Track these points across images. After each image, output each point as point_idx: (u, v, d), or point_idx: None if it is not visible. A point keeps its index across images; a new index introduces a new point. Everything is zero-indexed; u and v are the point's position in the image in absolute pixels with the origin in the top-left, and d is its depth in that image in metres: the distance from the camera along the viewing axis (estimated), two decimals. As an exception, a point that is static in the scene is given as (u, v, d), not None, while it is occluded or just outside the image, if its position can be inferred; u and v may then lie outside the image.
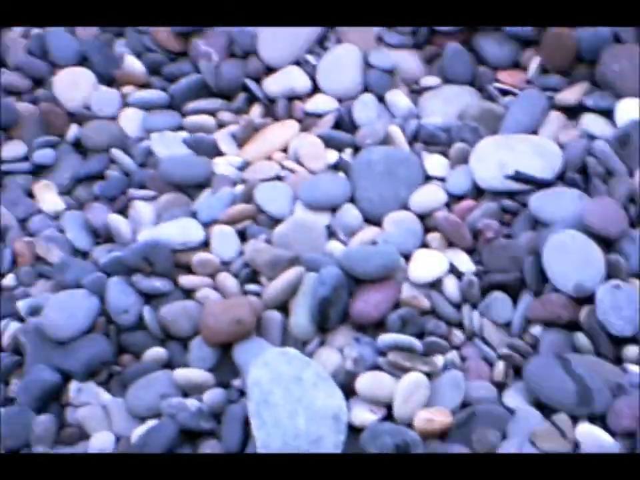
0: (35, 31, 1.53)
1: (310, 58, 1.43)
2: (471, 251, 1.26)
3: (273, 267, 1.26)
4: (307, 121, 1.40)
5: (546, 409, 1.17)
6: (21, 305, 1.29)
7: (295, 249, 1.27)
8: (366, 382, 1.18)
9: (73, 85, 1.46)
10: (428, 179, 1.32)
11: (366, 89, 1.42)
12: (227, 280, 1.27)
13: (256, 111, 1.43)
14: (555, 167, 1.29)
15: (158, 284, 1.27)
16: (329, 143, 1.36)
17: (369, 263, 1.22)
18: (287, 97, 1.42)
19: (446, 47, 1.42)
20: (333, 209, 1.31)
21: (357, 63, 1.42)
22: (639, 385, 1.16)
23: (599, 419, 1.15)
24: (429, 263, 1.23)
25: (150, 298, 1.28)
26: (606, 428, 1.14)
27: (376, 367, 1.19)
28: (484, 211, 1.27)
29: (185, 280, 1.28)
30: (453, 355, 1.21)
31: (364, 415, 1.17)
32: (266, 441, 1.15)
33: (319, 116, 1.40)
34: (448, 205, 1.29)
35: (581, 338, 1.19)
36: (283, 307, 1.25)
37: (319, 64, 1.43)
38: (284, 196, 1.32)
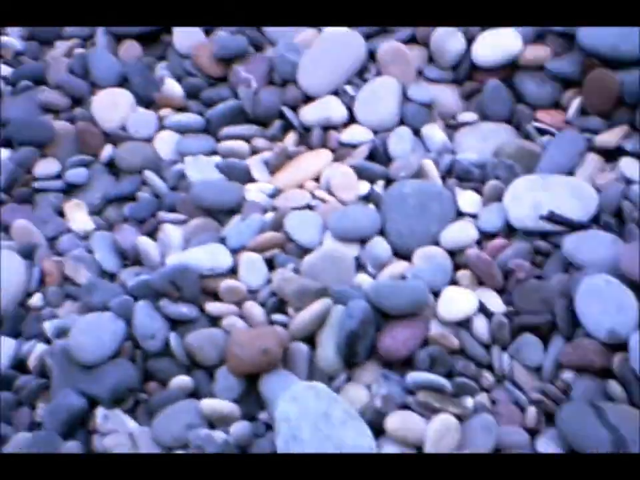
0: (78, 50, 1.47)
1: (348, 88, 1.35)
2: (501, 291, 1.18)
3: (300, 297, 1.17)
4: (341, 151, 1.32)
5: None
6: (48, 326, 1.22)
7: (323, 280, 1.19)
8: (396, 422, 1.10)
9: (112, 106, 1.40)
10: (460, 214, 1.24)
11: (402, 122, 1.34)
12: (254, 309, 1.19)
13: (290, 138, 1.35)
14: (590, 210, 1.20)
15: (185, 310, 1.19)
16: (361, 173, 1.29)
17: (397, 298, 1.14)
18: (322, 126, 1.35)
19: (486, 84, 1.33)
20: (363, 241, 1.23)
21: (395, 96, 1.34)
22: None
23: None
24: (458, 301, 1.15)
25: (176, 323, 1.20)
26: None
27: (404, 406, 1.11)
28: (516, 250, 1.18)
29: (212, 307, 1.20)
30: (482, 397, 1.12)
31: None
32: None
33: (354, 146, 1.33)
34: (479, 243, 1.21)
35: (614, 386, 1.10)
36: (310, 338, 1.16)
37: (357, 95, 1.35)
38: (314, 225, 1.24)
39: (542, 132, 1.30)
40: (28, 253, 1.29)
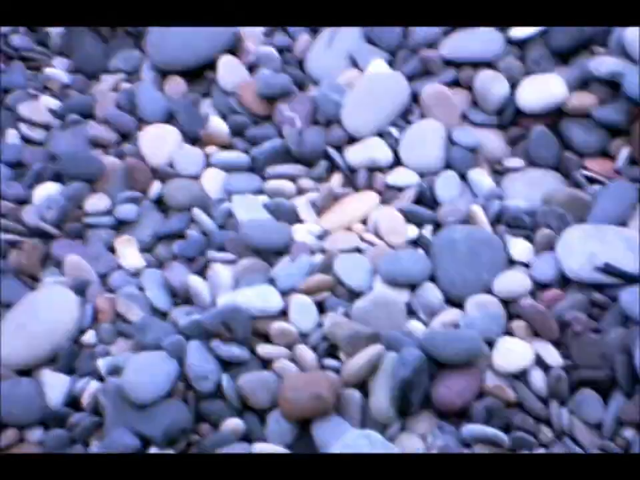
0: (125, 85, 1.40)
1: (393, 130, 1.27)
2: (557, 343, 1.10)
3: (352, 343, 1.10)
4: (388, 194, 1.24)
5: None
6: (101, 364, 1.16)
7: (374, 325, 1.12)
8: (454, 476, 1.01)
9: (159, 142, 1.32)
10: (512, 263, 1.16)
11: (448, 166, 1.25)
12: (305, 353, 1.12)
13: (336, 179, 1.27)
14: (645, 263, 1.12)
15: (236, 351, 1.12)
16: (409, 217, 1.21)
17: (452, 348, 1.06)
18: (367, 167, 1.26)
19: (532, 130, 1.25)
20: (413, 286, 1.15)
21: (440, 139, 1.26)
22: None
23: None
24: (514, 352, 1.08)
25: (227, 364, 1.14)
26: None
27: (461, 460, 1.02)
28: (572, 302, 1.10)
29: (263, 349, 1.14)
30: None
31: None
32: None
33: (400, 189, 1.25)
34: (532, 293, 1.12)
35: (675, 444, 1.02)
36: (362, 385, 1.09)
37: (401, 137, 1.28)
38: (363, 269, 1.17)
39: (591, 180, 1.22)
40: (80, 289, 1.23)
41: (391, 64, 1.32)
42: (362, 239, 1.20)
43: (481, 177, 1.24)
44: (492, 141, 1.27)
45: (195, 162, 1.30)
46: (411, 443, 1.05)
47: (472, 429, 1.04)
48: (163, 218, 1.28)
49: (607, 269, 1.11)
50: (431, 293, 1.14)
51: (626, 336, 1.06)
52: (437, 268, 1.16)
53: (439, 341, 1.07)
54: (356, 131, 1.27)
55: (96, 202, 1.28)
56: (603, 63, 1.24)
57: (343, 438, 1.03)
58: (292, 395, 1.07)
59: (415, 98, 1.29)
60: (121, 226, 1.27)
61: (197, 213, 1.26)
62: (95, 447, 1.10)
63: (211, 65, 1.36)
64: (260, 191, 1.27)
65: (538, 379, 1.07)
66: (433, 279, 1.15)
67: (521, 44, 1.30)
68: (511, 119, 1.27)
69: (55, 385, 1.14)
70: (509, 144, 1.27)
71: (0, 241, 1.24)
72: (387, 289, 1.14)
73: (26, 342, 1.16)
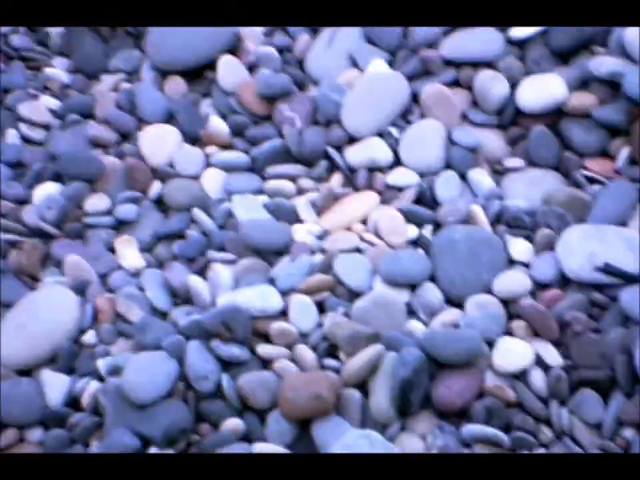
0: (125, 85, 1.39)
1: (393, 130, 1.26)
2: (557, 343, 1.09)
3: (352, 343, 1.09)
4: (388, 194, 1.24)
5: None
6: (101, 364, 1.15)
7: (374, 325, 1.11)
8: (453, 476, 1.00)
9: (159, 142, 1.31)
10: (512, 263, 1.15)
11: (448, 166, 1.25)
12: (305, 353, 1.12)
13: (336, 179, 1.26)
14: (644, 262, 1.12)
15: (236, 351, 1.12)
16: (409, 217, 1.20)
17: (452, 347, 1.06)
18: (367, 167, 1.25)
19: (532, 129, 1.24)
20: (413, 286, 1.14)
21: (440, 139, 1.25)
22: None
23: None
24: (514, 352, 1.07)
25: (227, 364, 1.13)
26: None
27: (461, 459, 1.02)
28: (572, 302, 1.10)
29: (263, 349, 1.13)
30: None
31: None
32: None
33: (400, 189, 1.24)
34: (532, 292, 1.11)
35: (675, 444, 1.01)
36: (362, 385, 1.08)
37: (401, 137, 1.26)
38: (363, 269, 1.16)
39: (591, 180, 1.21)
40: (80, 289, 1.22)
41: (391, 64, 1.31)
42: (362, 239, 1.19)
43: (480, 177, 1.23)
44: (492, 140, 1.26)
45: (195, 162, 1.29)
46: (410, 443, 1.05)
47: (472, 429, 1.03)
48: (163, 218, 1.27)
49: (607, 269, 1.10)
50: (431, 293, 1.14)
51: (626, 336, 1.06)
52: (436, 268, 1.15)
53: (439, 340, 1.06)
54: (356, 130, 1.27)
55: (96, 202, 1.27)
56: (602, 63, 1.24)
57: (343, 438, 1.02)
58: (292, 394, 1.06)
59: (414, 98, 1.28)
60: (121, 226, 1.26)
61: (197, 213, 1.25)
62: (95, 447, 1.09)
63: (211, 65, 1.35)
64: (260, 191, 1.26)
65: (538, 378, 1.07)
66: (433, 278, 1.15)
67: (521, 44, 1.29)
68: (510, 118, 1.26)
69: (54, 385, 1.14)
70: (509, 144, 1.27)
71: (0, 241, 1.24)
72: (387, 288, 1.14)
73: (26, 342, 1.16)
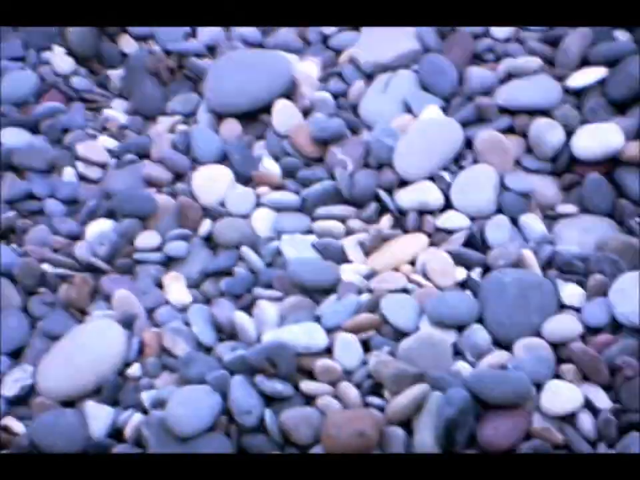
0: (181, 126, 1.39)
1: (445, 174, 1.24)
2: (607, 387, 1.05)
3: (397, 382, 1.07)
4: (437, 236, 1.22)
5: None
6: (146, 397, 1.14)
7: (420, 365, 1.09)
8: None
9: (211, 181, 1.31)
10: (562, 307, 1.12)
11: (500, 210, 1.23)
12: (349, 390, 1.09)
13: (386, 221, 1.24)
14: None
15: (280, 387, 1.10)
16: (458, 260, 1.18)
17: (499, 389, 1.03)
18: (418, 210, 1.24)
19: (586, 177, 1.22)
20: (460, 328, 1.12)
21: (492, 184, 1.24)
22: None
23: None
24: (563, 395, 1.04)
25: (271, 400, 1.11)
26: None
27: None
28: (623, 347, 1.07)
29: (307, 386, 1.11)
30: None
31: None
32: None
33: (450, 232, 1.22)
34: (583, 337, 1.09)
35: None
36: (407, 423, 1.05)
37: (453, 181, 1.25)
38: (410, 309, 1.14)
39: (646, 228, 1.19)
40: (128, 323, 1.21)
41: (445, 110, 1.30)
42: (409, 280, 1.17)
43: (532, 222, 1.21)
44: (545, 187, 1.24)
45: (246, 202, 1.29)
46: (454, 484, 1.02)
47: (517, 470, 1.00)
48: (212, 255, 1.26)
49: (660, 315, 1.08)
50: (479, 335, 1.11)
51: (677, 381, 1.03)
52: (485, 310, 1.13)
53: (486, 381, 1.04)
54: (408, 174, 1.25)
55: (147, 239, 1.27)
56: (660, 114, 1.22)
57: (385, 476, 1.00)
58: (335, 431, 1.04)
59: (468, 144, 1.27)
60: (170, 262, 1.26)
61: (245, 250, 1.24)
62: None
63: (266, 109, 1.36)
64: (309, 231, 1.25)
65: (586, 421, 1.03)
66: (480, 320, 1.12)
67: (578, 93, 1.28)
68: (565, 166, 1.25)
69: (98, 417, 1.12)
70: (563, 190, 1.25)
71: (51, 275, 1.23)
72: (434, 329, 1.12)
73: (72, 373, 1.15)
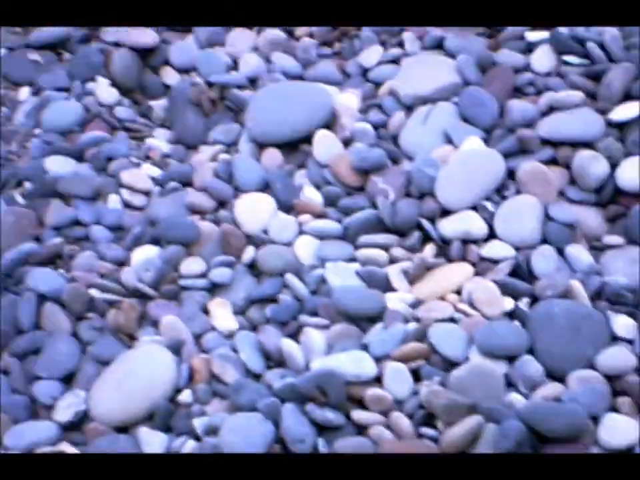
0: (222, 155, 1.32)
1: (487, 204, 1.17)
2: (664, 421, 0.97)
3: (450, 413, 1.00)
4: (482, 266, 1.16)
5: None
6: (198, 423, 1.07)
7: (472, 395, 1.02)
8: None
9: (254, 210, 1.24)
10: (614, 339, 1.04)
11: (544, 241, 1.16)
12: (401, 420, 1.03)
13: (429, 250, 1.17)
14: None
15: (331, 416, 1.04)
16: (505, 289, 1.12)
17: (555, 421, 0.96)
18: (461, 239, 1.16)
19: (632, 208, 1.15)
20: (510, 358, 1.03)
21: (536, 214, 1.17)
22: None
23: None
24: (620, 429, 0.96)
25: (322, 428, 1.04)
26: None
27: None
28: (679, 380, 0.97)
29: (358, 415, 1.05)
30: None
31: None
32: None
33: (495, 261, 1.15)
34: (637, 369, 1.00)
35: None
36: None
37: (496, 211, 1.18)
38: (458, 339, 1.08)
39: (694, 260, 1.11)
40: (176, 349, 1.14)
41: (485, 141, 1.23)
42: (456, 309, 1.10)
43: (579, 253, 1.14)
44: (590, 218, 1.17)
45: (289, 229, 1.21)
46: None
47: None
48: (256, 282, 1.19)
49: None
50: (531, 366, 1.04)
51: None
52: (535, 341, 1.05)
53: (541, 413, 0.96)
54: (450, 204, 1.18)
55: (191, 265, 1.20)
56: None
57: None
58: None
59: (510, 174, 1.20)
60: (215, 289, 1.19)
61: (290, 278, 1.17)
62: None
63: (307, 139, 1.29)
64: (352, 259, 1.18)
65: (646, 456, 0.96)
66: (530, 351, 1.05)
67: (621, 126, 1.21)
68: (609, 197, 1.18)
69: (152, 443, 1.06)
70: (607, 222, 1.18)
71: (99, 300, 1.16)
72: (484, 359, 1.04)
73: (124, 399, 1.08)
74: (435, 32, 1.36)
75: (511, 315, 1.09)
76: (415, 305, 1.12)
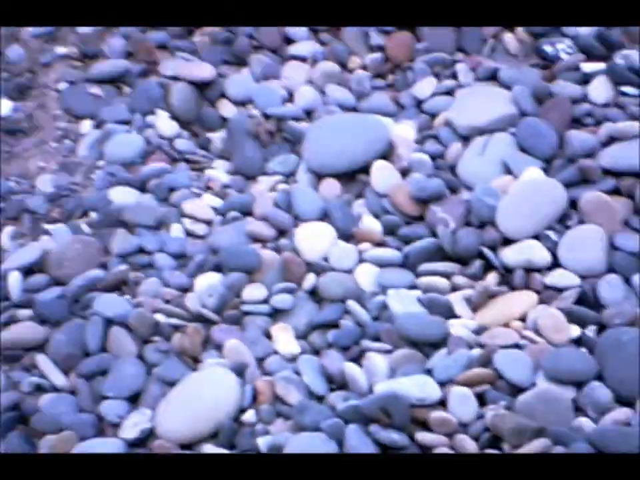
0: (282, 186, 1.33)
1: (550, 234, 1.16)
2: None
3: (517, 436, 0.99)
4: (546, 294, 1.15)
5: None
6: (262, 442, 1.07)
7: (539, 420, 1.01)
8: None
9: (314, 238, 1.24)
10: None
11: (610, 269, 1.15)
12: (466, 442, 1.02)
13: (492, 278, 1.16)
14: None
15: (396, 437, 1.04)
16: (571, 317, 1.11)
17: (625, 445, 0.94)
18: (524, 268, 1.15)
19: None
20: (578, 384, 1.02)
21: (601, 243, 1.17)
22: None
23: None
24: (693, 454, 0.92)
25: (385, 449, 1.04)
26: None
27: None
28: None
29: (423, 437, 1.03)
30: None
31: None
32: None
33: (559, 290, 1.14)
34: None
35: None
36: (528, 478, 0.95)
37: (560, 240, 1.18)
38: (524, 365, 1.07)
39: None
40: (239, 371, 1.14)
41: (545, 171, 1.23)
42: (521, 336, 1.09)
43: (646, 282, 1.13)
44: (655, 247, 1.17)
45: (349, 257, 1.21)
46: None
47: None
48: (317, 308, 1.19)
49: None
50: (599, 391, 1.03)
51: None
52: (603, 367, 1.04)
53: (611, 437, 0.95)
54: (512, 233, 1.17)
55: (253, 291, 1.20)
56: None
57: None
58: (456, 484, 0.95)
59: (572, 204, 1.19)
60: (276, 314, 1.19)
61: (352, 304, 1.17)
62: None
63: (364, 170, 1.29)
64: (412, 287, 1.18)
65: None
66: (599, 377, 1.04)
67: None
68: (677, 224, 1.17)
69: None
70: (676, 252, 1.17)
71: (164, 324, 1.17)
72: (551, 384, 1.03)
73: (189, 418, 1.09)
74: (489, 63, 1.37)
75: (578, 342, 1.08)
76: (478, 331, 1.11)
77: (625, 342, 1.04)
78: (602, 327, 1.09)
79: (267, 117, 1.38)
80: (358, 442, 1.01)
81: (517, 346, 1.08)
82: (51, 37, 1.51)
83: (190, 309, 1.18)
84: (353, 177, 1.30)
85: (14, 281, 1.22)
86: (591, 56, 1.32)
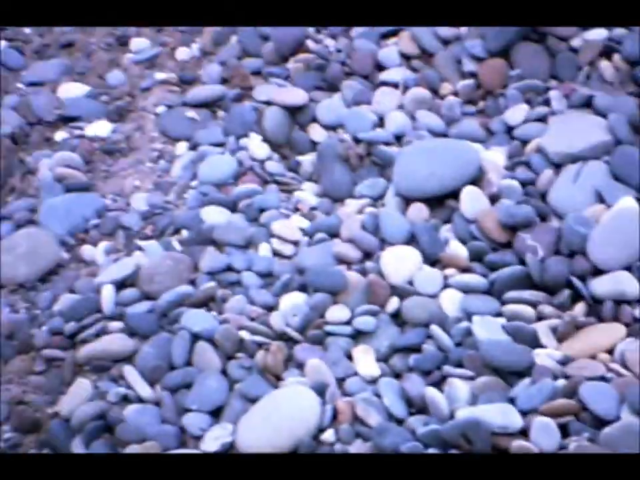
0: (369, 209, 1.31)
1: (643, 266, 1.12)
2: None
3: (600, 469, 0.92)
4: (635, 326, 1.09)
5: None
6: None
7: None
8: None
9: (400, 261, 1.23)
10: None
11: None
12: None
13: (579, 308, 1.12)
14: None
15: None
16: None
17: None
18: (614, 299, 1.10)
19: None
20: (665, 419, 0.98)
21: None
22: None
23: None
24: None
25: None
26: None
27: None
28: None
29: None
30: None
31: None
32: None
33: (650, 324, 1.08)
34: None
35: None
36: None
37: (653, 274, 1.12)
38: (610, 397, 1.04)
39: None
40: (320, 391, 1.13)
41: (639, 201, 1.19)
42: (608, 369, 1.05)
43: None
44: None
45: (434, 282, 1.19)
46: None
47: None
48: (400, 332, 1.17)
49: None
50: (686, 427, 0.98)
51: None
52: (691, 403, 0.99)
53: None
54: (603, 263, 1.14)
55: (337, 312, 1.19)
56: None
57: None
58: (536, 516, 0.92)
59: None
60: (359, 336, 1.17)
61: (435, 329, 1.14)
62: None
63: (453, 194, 1.27)
64: (497, 314, 1.15)
65: None
66: (688, 413, 0.99)
67: None
68: None
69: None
70: None
71: (249, 341, 1.17)
72: (636, 418, 0.98)
73: (269, 434, 1.08)
74: (583, 90, 1.34)
75: (667, 378, 1.04)
76: (564, 362, 1.08)
77: None
78: (693, 364, 1.04)
79: (357, 141, 1.38)
80: (436, 467, 0.98)
81: (602, 378, 1.05)
82: (150, 63, 1.54)
83: (274, 328, 1.18)
84: (442, 201, 1.28)
85: (107, 294, 1.24)
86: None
